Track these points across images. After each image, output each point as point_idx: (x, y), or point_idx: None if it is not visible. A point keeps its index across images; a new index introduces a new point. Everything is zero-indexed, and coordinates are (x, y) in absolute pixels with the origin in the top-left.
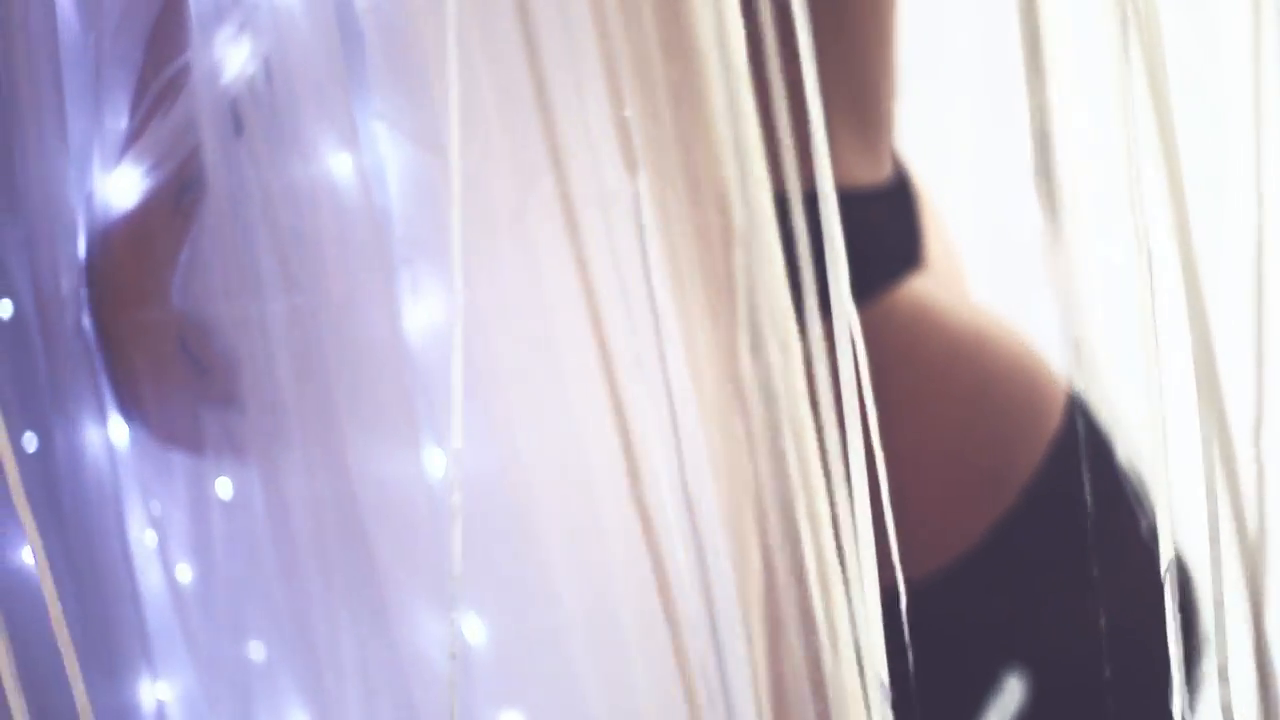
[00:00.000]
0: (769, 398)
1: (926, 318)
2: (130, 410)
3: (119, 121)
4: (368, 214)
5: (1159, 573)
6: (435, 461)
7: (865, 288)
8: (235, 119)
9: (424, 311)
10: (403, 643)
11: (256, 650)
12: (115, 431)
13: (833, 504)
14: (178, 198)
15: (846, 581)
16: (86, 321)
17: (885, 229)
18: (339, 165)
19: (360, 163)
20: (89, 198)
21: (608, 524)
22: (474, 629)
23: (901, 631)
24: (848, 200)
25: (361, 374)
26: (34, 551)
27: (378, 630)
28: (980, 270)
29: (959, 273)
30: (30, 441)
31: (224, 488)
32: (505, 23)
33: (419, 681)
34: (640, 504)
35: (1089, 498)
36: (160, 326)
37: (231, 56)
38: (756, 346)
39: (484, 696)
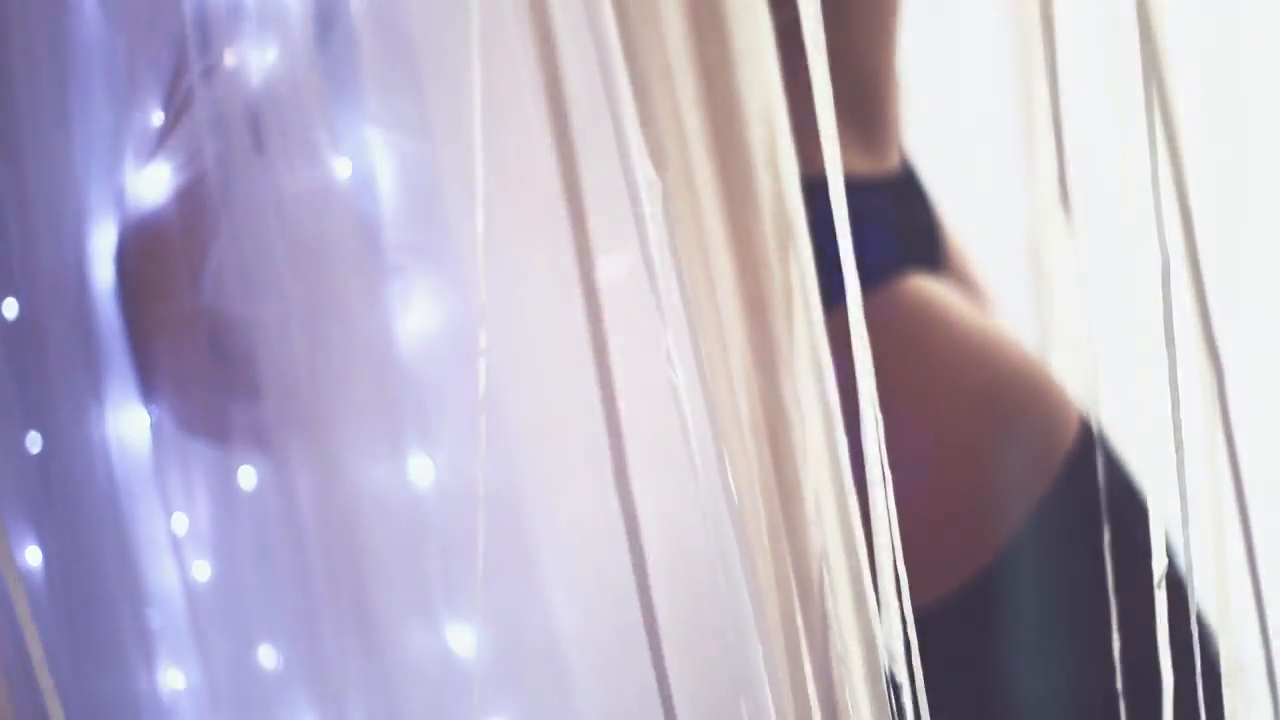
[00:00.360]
0: (818, 400)
1: (931, 312)
2: (157, 399)
3: (152, 118)
4: (359, 220)
5: (1181, 599)
6: (421, 471)
7: (863, 275)
8: (254, 124)
9: (417, 318)
10: (388, 651)
11: (267, 652)
12: (126, 428)
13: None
14: (209, 195)
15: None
16: (114, 313)
17: (885, 219)
18: (332, 170)
19: (354, 168)
20: (120, 192)
21: (604, 532)
22: (462, 638)
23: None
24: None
25: (350, 380)
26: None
27: (366, 637)
28: (992, 281)
29: (982, 288)
30: (34, 442)
31: (247, 478)
32: (526, 18)
33: (405, 690)
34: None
35: (1107, 519)
36: (190, 319)
37: (248, 60)
38: (797, 345)
39: (472, 705)
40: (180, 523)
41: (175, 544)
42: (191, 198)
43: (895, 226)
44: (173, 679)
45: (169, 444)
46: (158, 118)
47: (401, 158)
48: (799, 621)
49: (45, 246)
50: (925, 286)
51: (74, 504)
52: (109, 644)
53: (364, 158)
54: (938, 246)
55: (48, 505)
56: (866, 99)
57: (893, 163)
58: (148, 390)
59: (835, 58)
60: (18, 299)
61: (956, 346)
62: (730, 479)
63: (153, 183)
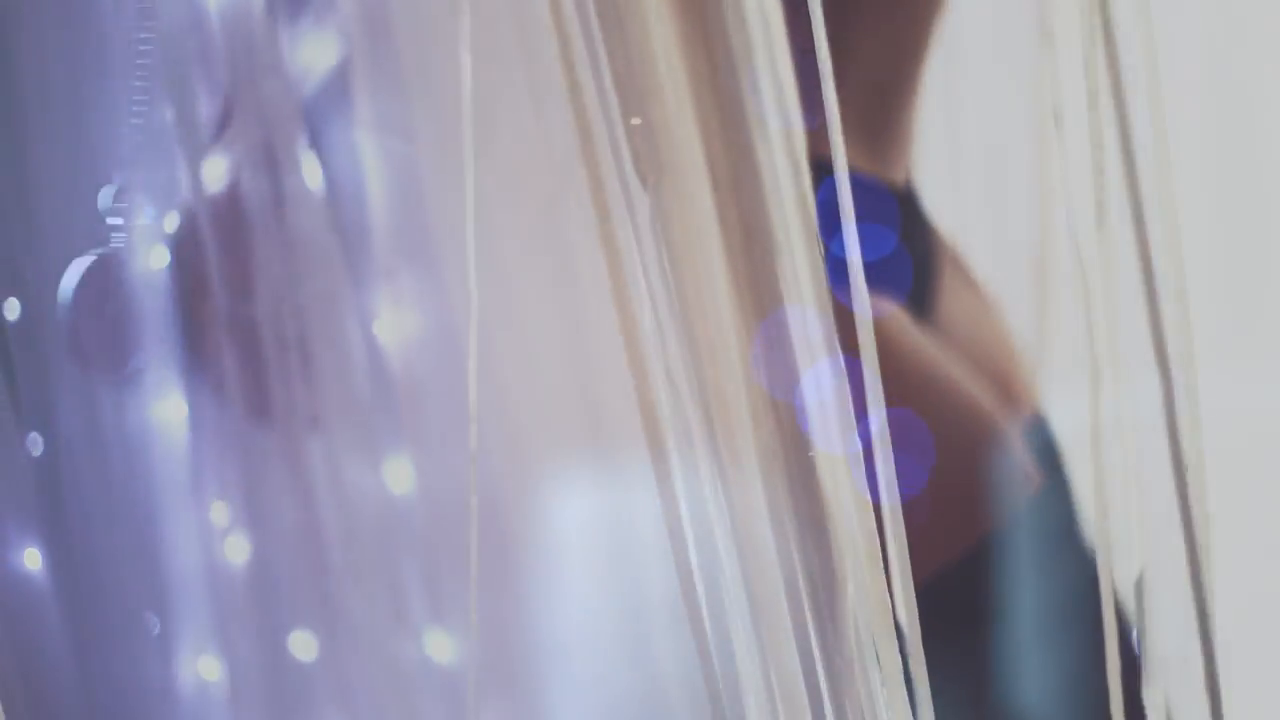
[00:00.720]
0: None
1: (899, 333)
2: (214, 387)
3: (199, 112)
4: (342, 224)
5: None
6: (403, 474)
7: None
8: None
9: (403, 322)
10: (369, 658)
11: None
12: (159, 418)
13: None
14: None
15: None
16: (154, 304)
17: (883, 218)
18: (319, 173)
19: (341, 171)
20: (174, 184)
21: (591, 536)
22: (442, 645)
23: None
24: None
25: (335, 383)
26: None
27: (348, 642)
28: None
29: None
30: (35, 444)
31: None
32: (520, 24)
33: (388, 696)
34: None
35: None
36: (241, 312)
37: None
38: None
39: (451, 713)
40: (220, 510)
41: (215, 532)
42: (241, 193)
43: (895, 229)
44: (206, 670)
45: (212, 431)
46: (204, 111)
47: (389, 161)
48: (810, 629)
49: (55, 245)
50: (889, 311)
51: (87, 501)
52: (131, 639)
53: (351, 160)
54: (922, 281)
55: (52, 506)
56: (882, 105)
57: (899, 178)
58: (202, 378)
59: (858, 57)
60: (20, 300)
61: (895, 378)
62: (722, 489)
63: (211, 175)
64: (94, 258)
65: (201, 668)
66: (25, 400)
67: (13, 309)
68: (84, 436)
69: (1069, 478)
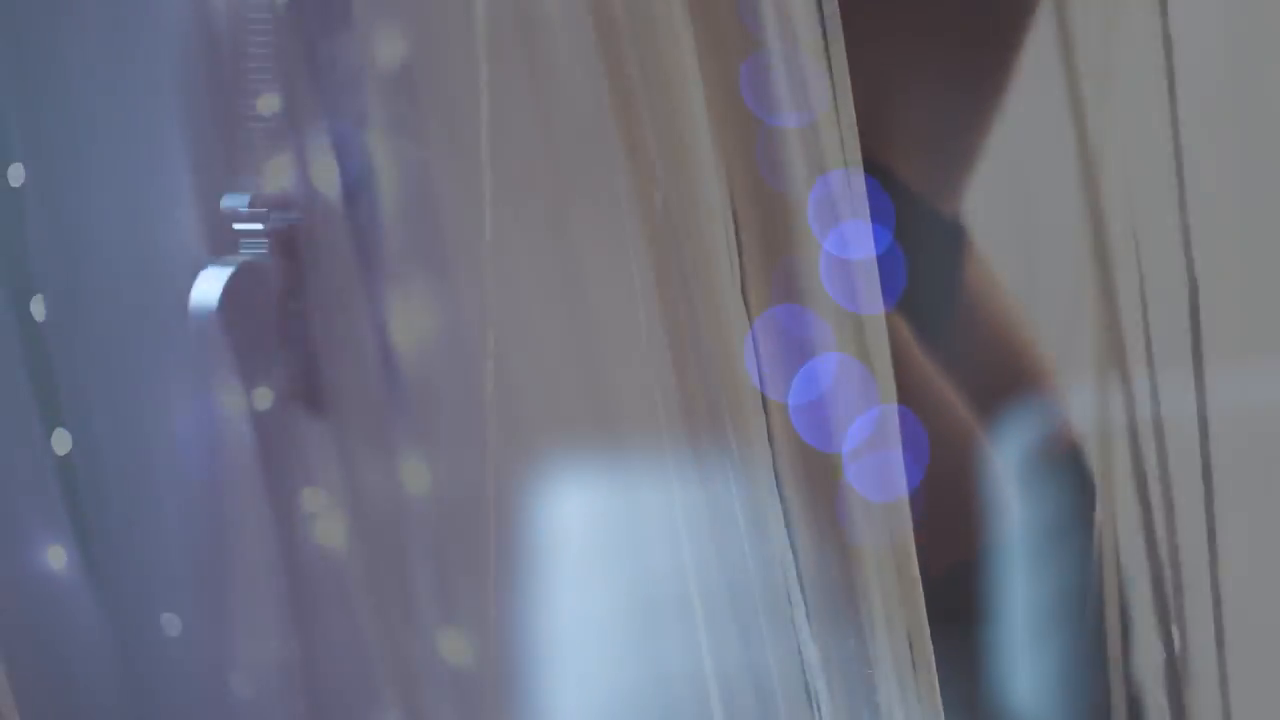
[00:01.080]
0: None
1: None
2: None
3: (260, 107)
4: (355, 226)
5: None
6: (416, 477)
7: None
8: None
9: (416, 324)
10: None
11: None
12: (227, 410)
13: None
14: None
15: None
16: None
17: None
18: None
19: (354, 173)
20: (235, 182)
21: (599, 537)
22: (455, 644)
23: None
24: None
25: (349, 383)
26: None
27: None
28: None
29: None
30: (62, 441)
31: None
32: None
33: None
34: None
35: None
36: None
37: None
38: None
39: (464, 712)
40: (312, 497)
41: (305, 518)
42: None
43: (889, 229)
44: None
45: (297, 420)
46: (267, 105)
47: (402, 163)
48: (823, 631)
49: (92, 240)
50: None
51: (133, 498)
52: (176, 636)
53: (365, 162)
54: (956, 300)
55: (88, 504)
56: (953, 136)
57: (948, 208)
58: (275, 372)
59: (940, 86)
60: (48, 297)
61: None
62: (736, 489)
63: (279, 174)
64: (234, 268)
65: (272, 656)
66: (56, 397)
67: (39, 306)
68: (128, 432)
69: (1089, 488)
